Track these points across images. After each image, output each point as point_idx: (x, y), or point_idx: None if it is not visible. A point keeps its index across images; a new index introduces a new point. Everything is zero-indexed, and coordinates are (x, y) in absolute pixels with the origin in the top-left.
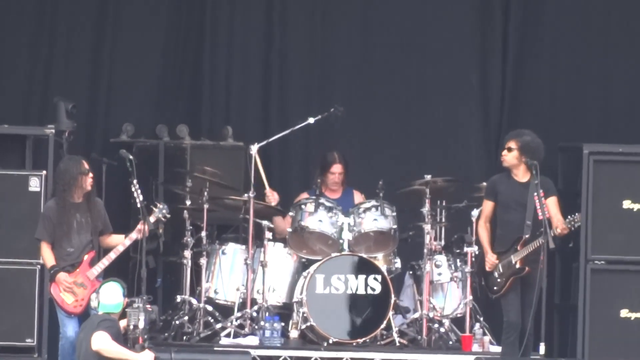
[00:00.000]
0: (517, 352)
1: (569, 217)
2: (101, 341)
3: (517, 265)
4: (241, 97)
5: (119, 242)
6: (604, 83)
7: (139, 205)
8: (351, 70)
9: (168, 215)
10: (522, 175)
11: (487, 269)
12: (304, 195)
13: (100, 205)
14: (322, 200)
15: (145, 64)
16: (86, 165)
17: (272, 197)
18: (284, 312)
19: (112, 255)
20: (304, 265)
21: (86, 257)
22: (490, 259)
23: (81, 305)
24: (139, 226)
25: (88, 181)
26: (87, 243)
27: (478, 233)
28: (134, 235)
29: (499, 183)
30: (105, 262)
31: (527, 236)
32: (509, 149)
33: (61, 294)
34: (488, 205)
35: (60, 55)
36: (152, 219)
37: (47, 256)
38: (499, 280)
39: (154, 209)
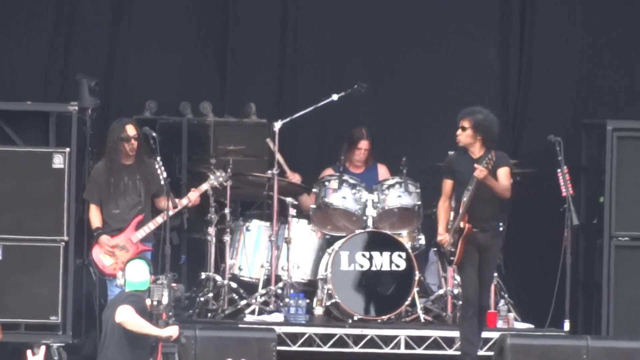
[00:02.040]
0: (475, 328)
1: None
2: (125, 314)
3: (461, 225)
4: (265, 74)
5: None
6: (628, 60)
7: (162, 182)
8: (371, 48)
9: (225, 183)
10: (477, 152)
11: (444, 244)
12: (328, 170)
13: (153, 167)
14: (345, 177)
15: (169, 41)
16: (130, 131)
17: (294, 179)
18: (309, 289)
19: (159, 220)
20: (328, 242)
21: (133, 221)
22: (441, 236)
23: (121, 269)
24: (190, 193)
25: (129, 147)
26: (134, 205)
27: (437, 211)
28: (184, 201)
29: (455, 161)
30: (151, 226)
31: (464, 199)
32: (463, 128)
33: (100, 255)
34: (447, 184)
35: (83, 32)
36: (205, 186)
37: (93, 218)
38: (452, 249)
39: (211, 175)
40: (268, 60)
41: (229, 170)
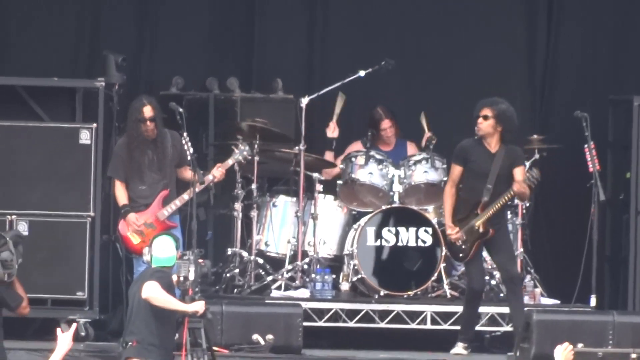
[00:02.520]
0: (476, 314)
1: (527, 172)
2: (151, 289)
3: (481, 230)
4: (292, 49)
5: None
6: None
7: (189, 157)
8: (400, 24)
9: (249, 157)
10: (494, 144)
11: (454, 241)
12: (357, 143)
13: (176, 138)
14: (372, 152)
15: (196, 16)
16: (146, 113)
17: (332, 131)
18: (335, 264)
19: (185, 196)
20: (354, 218)
21: (159, 196)
22: (452, 232)
23: (147, 245)
24: (215, 170)
25: (145, 128)
26: (159, 180)
27: (444, 197)
28: (209, 177)
29: (470, 150)
30: (177, 202)
31: (486, 199)
32: (485, 117)
33: (128, 233)
34: (457, 170)
35: (110, 7)
36: (230, 161)
37: (119, 194)
38: (463, 247)
39: (235, 149)
40: (296, 36)
41: (255, 145)
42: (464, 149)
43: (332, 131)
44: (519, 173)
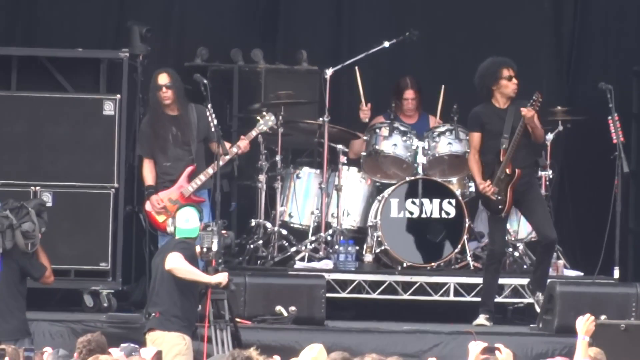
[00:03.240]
0: (496, 280)
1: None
2: (174, 260)
3: (508, 172)
4: (316, 21)
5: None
6: None
7: (213, 129)
8: None
9: (275, 127)
10: (504, 102)
11: (489, 194)
12: (380, 118)
13: (201, 112)
14: (396, 124)
15: None
16: (161, 80)
17: (366, 114)
18: (358, 236)
19: (210, 171)
20: (378, 189)
21: (185, 172)
22: (483, 185)
23: (171, 217)
24: (240, 141)
25: (162, 95)
26: (184, 156)
27: (469, 166)
28: (234, 149)
29: (483, 114)
30: (202, 177)
31: (504, 146)
32: (516, 77)
33: (153, 212)
34: (475, 137)
35: None
36: (254, 132)
37: (146, 174)
38: (499, 197)
39: (260, 119)
40: (320, 7)
41: (280, 117)
42: (477, 114)
43: (365, 114)
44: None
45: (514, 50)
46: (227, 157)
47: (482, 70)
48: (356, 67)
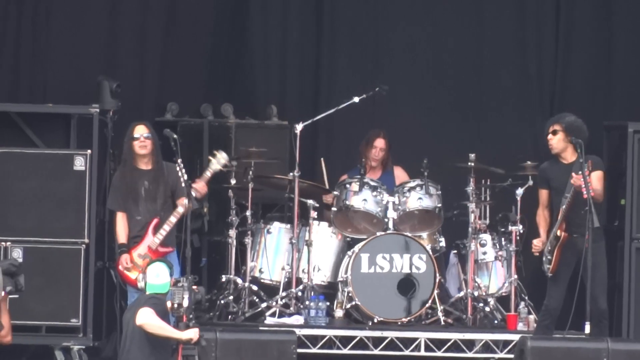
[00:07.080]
0: (550, 334)
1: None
2: (145, 316)
3: (558, 233)
4: (285, 76)
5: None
6: None
7: (183, 185)
8: (395, 49)
9: (230, 163)
10: (570, 157)
11: (536, 251)
12: (344, 177)
13: (171, 169)
14: (366, 179)
15: (191, 43)
16: (139, 130)
17: (329, 201)
18: (329, 291)
19: (172, 219)
20: (348, 244)
21: (150, 226)
22: (533, 243)
23: (141, 272)
24: (195, 185)
25: (139, 145)
26: (155, 211)
27: (537, 222)
28: (193, 193)
29: (549, 170)
30: (166, 227)
31: (564, 207)
32: (554, 132)
33: (125, 270)
34: (543, 194)
35: (106, 33)
36: (208, 172)
37: (119, 230)
38: (549, 257)
39: (212, 159)
40: (290, 61)
41: (250, 172)
42: (543, 171)
43: (328, 201)
44: (595, 177)
45: (482, 104)
46: (190, 207)
47: None
48: (322, 159)
